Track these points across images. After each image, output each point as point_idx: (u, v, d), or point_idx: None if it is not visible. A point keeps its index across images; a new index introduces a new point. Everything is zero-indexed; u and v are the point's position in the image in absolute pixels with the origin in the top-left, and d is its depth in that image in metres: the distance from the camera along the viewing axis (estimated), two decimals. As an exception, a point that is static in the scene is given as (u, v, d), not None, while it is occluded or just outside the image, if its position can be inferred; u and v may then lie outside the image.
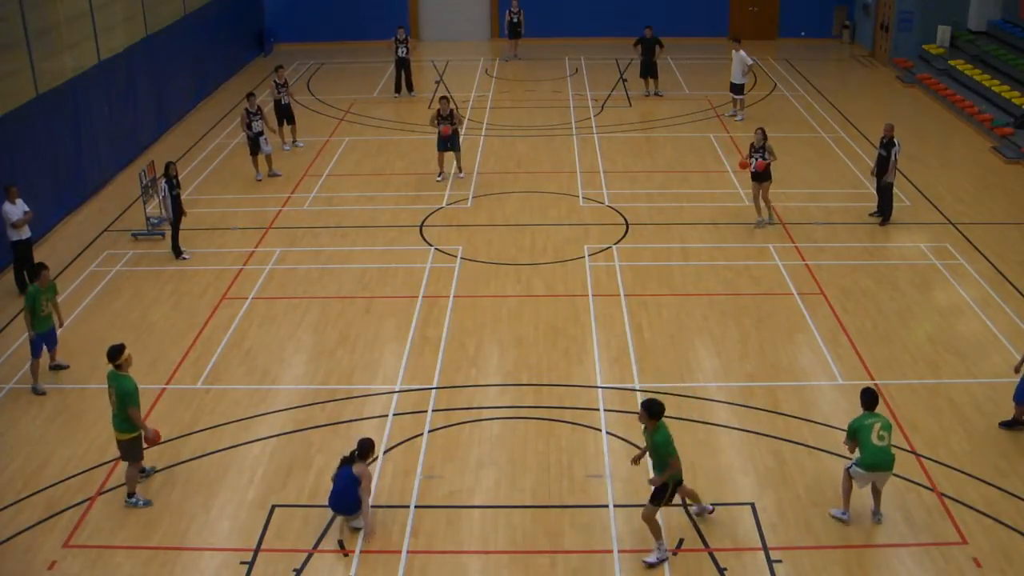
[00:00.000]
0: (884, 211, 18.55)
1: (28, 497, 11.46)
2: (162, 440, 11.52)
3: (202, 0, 28.06)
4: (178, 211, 17.58)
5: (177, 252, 17.59)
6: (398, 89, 27.92)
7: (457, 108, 22.29)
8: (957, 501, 11.10)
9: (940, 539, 10.54)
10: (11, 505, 11.33)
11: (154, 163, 19.74)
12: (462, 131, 22.41)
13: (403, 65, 27.62)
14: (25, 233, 16.20)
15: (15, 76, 18.26)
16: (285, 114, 23.14)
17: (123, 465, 11.42)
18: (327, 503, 10.82)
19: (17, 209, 16.08)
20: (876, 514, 10.87)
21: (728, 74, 25.24)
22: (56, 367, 14.15)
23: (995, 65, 26.47)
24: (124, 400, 10.83)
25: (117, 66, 22.26)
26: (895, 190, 18.81)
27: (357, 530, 10.74)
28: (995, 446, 12.06)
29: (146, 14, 24.19)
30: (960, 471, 11.60)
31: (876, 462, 10.50)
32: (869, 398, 10.81)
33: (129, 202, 20.09)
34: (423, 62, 32.01)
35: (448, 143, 20.64)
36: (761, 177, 18.23)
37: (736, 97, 25.20)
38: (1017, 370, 12.30)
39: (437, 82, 29.39)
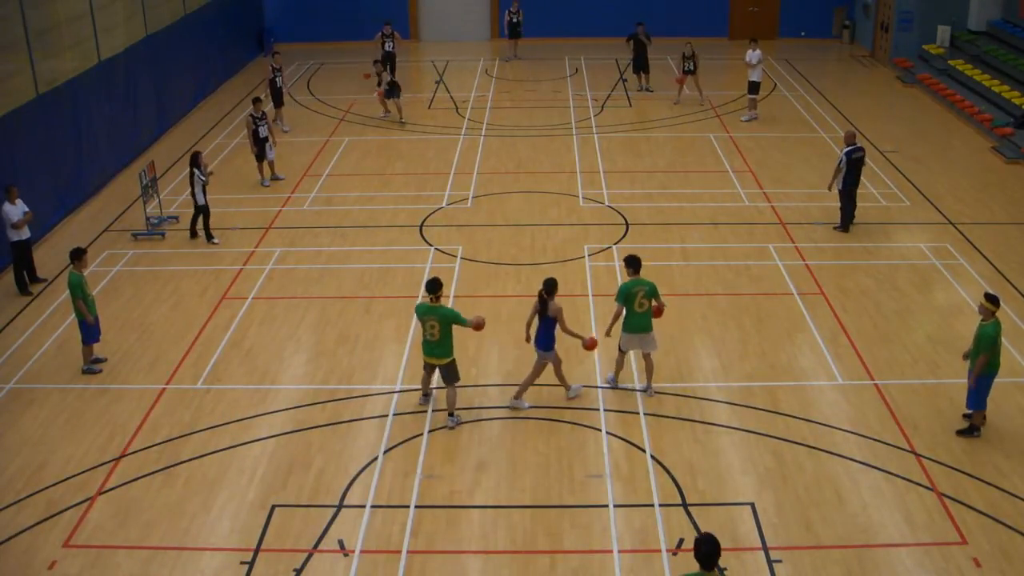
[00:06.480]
0: (844, 218, 18.19)
1: (28, 497, 11.45)
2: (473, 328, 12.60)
3: (202, 0, 28.07)
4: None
5: (209, 236, 18.27)
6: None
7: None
8: (957, 501, 11.10)
9: (940, 539, 10.54)
10: (11, 505, 11.33)
11: (154, 163, 19.77)
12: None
13: (389, 59, 27.68)
14: (25, 233, 16.21)
15: (15, 76, 18.25)
16: (278, 96, 24.61)
17: (437, 389, 13.02)
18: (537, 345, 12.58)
19: (17, 209, 16.08)
20: (648, 388, 12.96)
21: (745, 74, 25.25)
22: (96, 361, 14.17)
23: (995, 65, 26.45)
24: (452, 322, 12.22)
25: (117, 66, 22.26)
26: (854, 196, 18.15)
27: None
28: (995, 446, 12.05)
29: (146, 14, 24.19)
30: (960, 471, 11.60)
31: (636, 326, 12.75)
32: (635, 262, 12.79)
33: (129, 202, 20.08)
34: (423, 62, 32.03)
35: (393, 91, 25.24)
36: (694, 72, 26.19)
37: (750, 97, 25.07)
38: (965, 357, 12.34)
39: (437, 82, 29.38)
